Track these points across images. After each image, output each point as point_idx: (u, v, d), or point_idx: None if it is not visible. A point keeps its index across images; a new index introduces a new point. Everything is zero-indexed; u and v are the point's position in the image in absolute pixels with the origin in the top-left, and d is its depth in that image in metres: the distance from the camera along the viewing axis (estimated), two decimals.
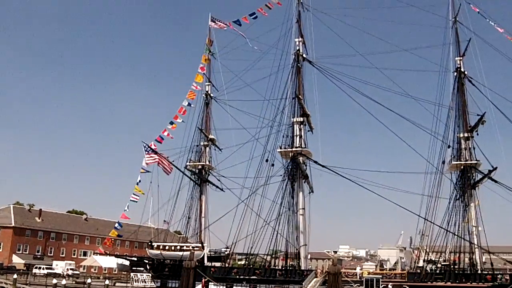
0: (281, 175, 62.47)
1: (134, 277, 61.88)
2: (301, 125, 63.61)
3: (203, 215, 68.56)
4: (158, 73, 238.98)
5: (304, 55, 65.12)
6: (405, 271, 58.73)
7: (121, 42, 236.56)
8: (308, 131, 64.38)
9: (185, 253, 57.74)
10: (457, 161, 61.59)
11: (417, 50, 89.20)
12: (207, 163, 69.92)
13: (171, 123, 65.23)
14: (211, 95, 71.74)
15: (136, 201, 63.25)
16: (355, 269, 61.05)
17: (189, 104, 66.34)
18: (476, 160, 60.93)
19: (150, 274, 63.04)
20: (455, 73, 63.28)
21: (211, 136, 70.32)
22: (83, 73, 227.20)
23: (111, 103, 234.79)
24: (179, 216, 68.22)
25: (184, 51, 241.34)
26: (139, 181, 63.46)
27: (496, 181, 56.74)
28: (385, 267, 62.69)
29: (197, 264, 49.92)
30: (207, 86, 72.02)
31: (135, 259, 68.00)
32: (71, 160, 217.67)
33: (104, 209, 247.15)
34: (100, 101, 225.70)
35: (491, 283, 52.95)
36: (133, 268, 65.84)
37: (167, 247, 63.17)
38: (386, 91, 64.29)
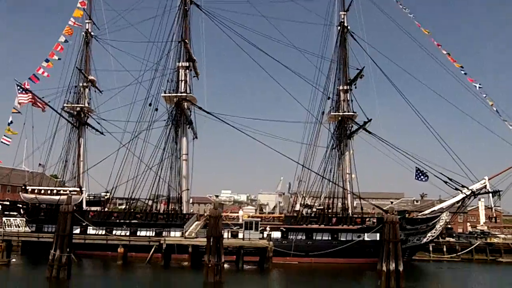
0: (164, 120, 61.56)
1: (7, 221, 58.48)
2: (187, 70, 62.49)
3: (81, 158, 66.02)
4: (30, 5, 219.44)
5: None
6: (282, 215, 61.55)
7: None
8: (194, 76, 63.48)
9: (62, 197, 55.60)
10: (335, 112, 64.62)
11: (303, 1, 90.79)
12: (86, 105, 66.81)
13: (47, 60, 60.42)
14: (92, 33, 67.75)
15: (8, 144, 58.94)
16: (237, 212, 62.75)
17: (66, 41, 61.63)
18: (353, 112, 64.39)
19: (24, 219, 60.09)
20: (339, 27, 65.38)
21: (91, 77, 66.90)
22: None
23: None
24: (55, 159, 65.33)
25: None
26: (11, 121, 58.91)
27: (370, 132, 60.46)
28: (264, 211, 65.25)
29: (75, 208, 48.18)
30: (87, 24, 67.79)
31: (8, 203, 64.54)
32: None
33: None
34: None
35: (360, 226, 57.42)
36: (6, 212, 62.38)
37: (42, 191, 60.76)
38: (272, 40, 65.00)
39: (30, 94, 58.57)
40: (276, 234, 55.94)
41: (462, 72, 57.27)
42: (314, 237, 57.23)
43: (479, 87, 56.51)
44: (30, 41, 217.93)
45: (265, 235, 52.09)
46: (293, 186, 65.93)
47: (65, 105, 65.76)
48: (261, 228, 53.48)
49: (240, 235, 52.09)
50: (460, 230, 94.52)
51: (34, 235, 55.12)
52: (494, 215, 57.13)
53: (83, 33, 67.19)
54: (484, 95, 56.53)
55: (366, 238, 56.30)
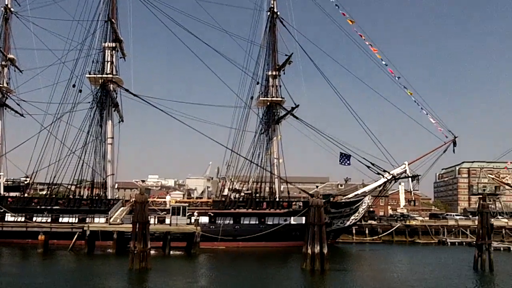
0: (89, 102, 59.66)
1: None
2: (113, 51, 60.70)
3: None
4: None
5: None
6: (210, 199, 61.55)
7: None
8: (121, 57, 61.79)
9: None
10: (264, 97, 65.16)
11: None
12: (5, 85, 63.53)
13: None
14: (12, 9, 64.12)
15: None
16: (164, 198, 62.06)
17: None
18: (281, 97, 65.17)
19: None
20: (268, 12, 65.67)
21: (10, 56, 63.44)
22: None
23: None
24: None
25: None
26: None
27: (297, 118, 61.44)
28: (192, 196, 64.97)
29: None
30: None
31: None
32: None
33: None
34: None
35: (287, 210, 58.47)
36: None
37: None
38: (202, 23, 64.37)
39: None
40: (204, 219, 55.92)
41: (383, 62, 59.17)
42: (241, 222, 57.70)
43: (397, 78, 58.88)
44: None
45: (192, 220, 51.88)
46: (222, 170, 66.19)
47: None
48: (189, 213, 53.19)
49: (167, 221, 51.59)
50: (381, 213, 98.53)
51: None
52: (413, 199, 60.24)
53: (2, 8, 63.59)
54: (403, 86, 59.01)
55: (292, 222, 57.43)
